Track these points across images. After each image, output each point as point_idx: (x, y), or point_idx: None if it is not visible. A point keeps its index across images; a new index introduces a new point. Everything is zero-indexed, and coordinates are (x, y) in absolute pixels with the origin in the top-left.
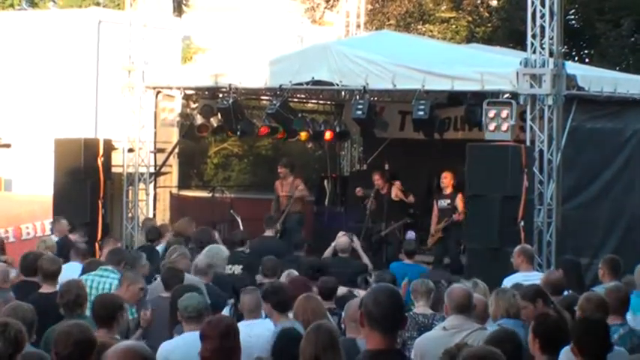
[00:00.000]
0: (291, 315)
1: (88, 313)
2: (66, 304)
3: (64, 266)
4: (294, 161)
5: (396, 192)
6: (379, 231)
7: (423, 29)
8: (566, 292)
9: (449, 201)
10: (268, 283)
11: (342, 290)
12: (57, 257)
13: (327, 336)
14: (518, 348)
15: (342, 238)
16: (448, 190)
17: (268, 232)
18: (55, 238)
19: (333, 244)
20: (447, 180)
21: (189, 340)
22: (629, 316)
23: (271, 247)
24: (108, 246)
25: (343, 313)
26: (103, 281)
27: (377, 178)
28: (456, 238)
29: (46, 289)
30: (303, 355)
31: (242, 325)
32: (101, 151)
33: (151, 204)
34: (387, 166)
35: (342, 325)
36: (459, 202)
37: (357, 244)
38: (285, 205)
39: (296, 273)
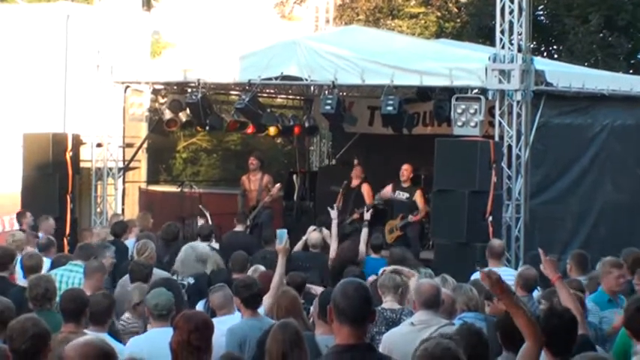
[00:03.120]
0: (261, 310)
1: None
2: (34, 298)
3: None
4: (264, 157)
5: (366, 191)
6: (342, 221)
7: (392, 24)
8: (536, 290)
9: (407, 195)
10: (240, 278)
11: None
12: (36, 253)
13: (293, 334)
14: (484, 343)
15: (313, 233)
16: (407, 184)
17: (239, 227)
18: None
19: (303, 238)
20: (406, 172)
21: (156, 336)
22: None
23: (242, 242)
24: (82, 239)
25: (312, 308)
26: (73, 276)
27: (358, 169)
28: (415, 235)
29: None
30: (270, 353)
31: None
32: (70, 146)
33: (120, 199)
34: (355, 161)
35: (311, 320)
36: (419, 198)
37: (326, 234)
38: (255, 201)
39: (263, 268)
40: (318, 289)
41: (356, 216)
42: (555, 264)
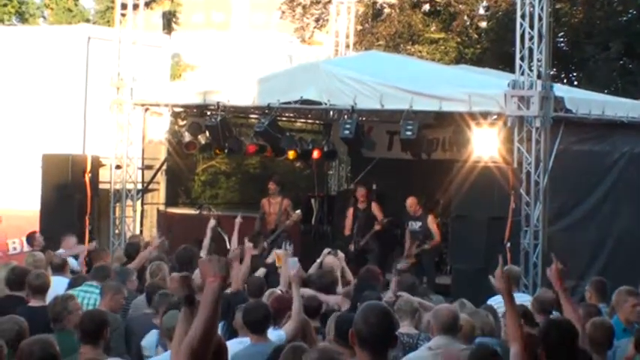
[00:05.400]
0: (270, 335)
1: None
2: (54, 319)
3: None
4: (284, 180)
5: (375, 210)
6: (357, 242)
7: (412, 50)
8: (552, 314)
9: (420, 223)
10: (250, 302)
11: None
12: (44, 272)
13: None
14: None
15: (328, 257)
16: (418, 213)
17: (253, 251)
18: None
19: (318, 261)
20: (413, 206)
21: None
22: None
23: (257, 265)
24: (98, 259)
25: (326, 330)
26: (88, 297)
27: (361, 191)
28: (432, 259)
29: (34, 303)
30: None
31: (234, 343)
32: (89, 168)
33: (138, 221)
34: (374, 186)
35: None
36: (432, 224)
37: (341, 257)
38: (274, 225)
39: (279, 292)
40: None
41: (378, 227)
42: (563, 273)
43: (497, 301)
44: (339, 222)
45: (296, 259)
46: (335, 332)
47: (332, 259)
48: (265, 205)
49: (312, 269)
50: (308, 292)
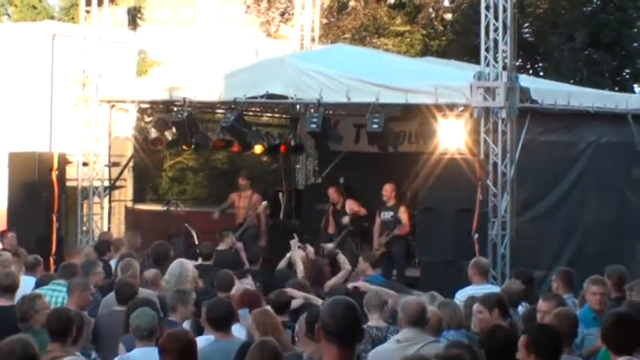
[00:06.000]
0: (235, 330)
1: None
2: (21, 318)
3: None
4: (252, 175)
5: (350, 206)
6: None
7: (378, 43)
8: (521, 305)
9: (392, 213)
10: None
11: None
12: (12, 271)
13: (271, 353)
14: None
15: (295, 252)
16: (391, 202)
17: (222, 246)
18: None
19: (287, 256)
20: (387, 192)
21: (141, 357)
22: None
23: (226, 260)
24: (69, 257)
25: (297, 326)
26: (56, 295)
27: (332, 192)
28: (401, 251)
29: (3, 302)
30: None
31: (201, 340)
32: (55, 165)
33: (106, 218)
34: (342, 180)
35: (296, 339)
36: (403, 215)
37: (310, 252)
38: (243, 218)
39: (248, 286)
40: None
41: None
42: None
43: (463, 294)
44: (307, 216)
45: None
46: (306, 327)
47: (299, 253)
48: (235, 199)
49: (282, 264)
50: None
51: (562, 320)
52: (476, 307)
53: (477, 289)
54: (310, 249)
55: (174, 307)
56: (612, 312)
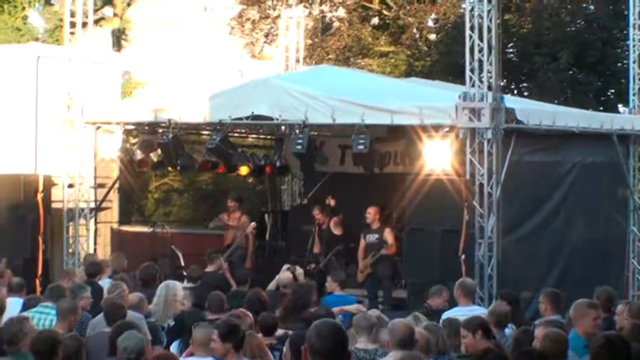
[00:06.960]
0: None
1: None
2: (8, 341)
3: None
4: (242, 196)
5: (335, 226)
6: (317, 262)
7: (362, 63)
8: (508, 327)
9: (377, 235)
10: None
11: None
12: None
13: None
14: None
15: (284, 274)
16: (375, 225)
17: (210, 268)
18: None
19: (276, 278)
20: (371, 215)
21: None
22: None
23: (215, 282)
24: (66, 279)
25: (284, 349)
26: (44, 318)
27: (317, 213)
28: (387, 272)
29: None
30: None
31: None
32: (41, 187)
33: (92, 239)
34: (332, 202)
35: None
36: (389, 236)
37: (299, 273)
38: (231, 240)
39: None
40: None
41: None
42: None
43: (449, 315)
44: (293, 237)
45: None
46: (291, 352)
47: (287, 275)
48: (225, 218)
49: (271, 286)
50: None
51: (552, 343)
52: (461, 331)
53: (463, 311)
54: (300, 270)
55: None
56: (600, 336)
